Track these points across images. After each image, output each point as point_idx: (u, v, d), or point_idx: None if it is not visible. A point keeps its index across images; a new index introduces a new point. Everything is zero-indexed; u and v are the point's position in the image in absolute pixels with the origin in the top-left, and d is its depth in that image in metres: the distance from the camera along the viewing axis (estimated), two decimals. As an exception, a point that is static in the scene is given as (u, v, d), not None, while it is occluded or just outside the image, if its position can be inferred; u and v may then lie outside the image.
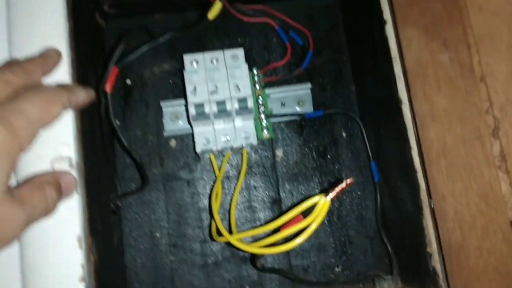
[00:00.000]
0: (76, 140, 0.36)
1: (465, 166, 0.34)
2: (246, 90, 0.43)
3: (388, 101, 0.43)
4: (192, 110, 0.42)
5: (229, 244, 0.40)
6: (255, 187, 0.51)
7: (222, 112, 0.42)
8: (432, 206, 0.36)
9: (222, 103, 0.42)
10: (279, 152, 0.52)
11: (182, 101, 0.50)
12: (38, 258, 0.34)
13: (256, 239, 0.41)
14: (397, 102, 0.41)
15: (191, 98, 0.43)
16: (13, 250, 0.34)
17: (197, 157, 0.51)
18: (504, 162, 0.33)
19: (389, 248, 0.46)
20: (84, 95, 0.33)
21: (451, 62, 0.34)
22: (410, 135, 0.40)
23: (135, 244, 0.49)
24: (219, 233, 0.40)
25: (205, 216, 0.50)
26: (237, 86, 0.43)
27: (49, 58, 0.34)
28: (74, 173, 0.35)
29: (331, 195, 0.34)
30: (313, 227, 0.34)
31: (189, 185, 0.51)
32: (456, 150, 0.34)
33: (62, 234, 0.34)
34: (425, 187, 0.38)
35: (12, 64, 0.32)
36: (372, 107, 0.50)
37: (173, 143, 0.51)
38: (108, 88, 0.38)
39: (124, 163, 0.50)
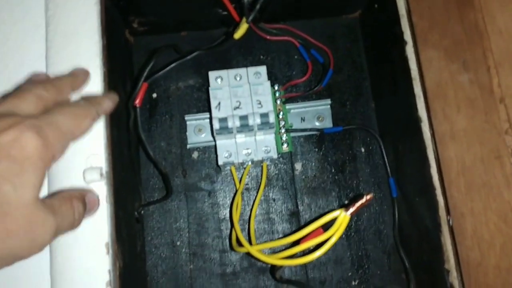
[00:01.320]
0: (106, 151, 0.38)
1: (484, 185, 0.34)
2: (268, 106, 0.44)
3: (407, 119, 0.44)
4: (216, 125, 0.44)
5: (248, 254, 0.41)
6: (274, 200, 0.52)
7: (245, 126, 0.44)
8: (450, 223, 0.37)
9: (245, 117, 0.44)
10: (298, 166, 0.53)
11: (206, 115, 0.51)
12: (68, 263, 0.36)
13: (275, 251, 0.42)
14: (417, 120, 0.42)
15: (215, 113, 0.44)
16: (44, 255, 0.36)
17: (218, 168, 0.52)
18: (523, 182, 0.33)
19: (407, 264, 0.46)
20: (109, 104, 0.36)
21: (470, 83, 0.35)
22: (429, 153, 0.40)
23: (156, 252, 0.50)
24: (239, 244, 0.41)
25: (224, 226, 0.51)
26: (260, 102, 0.45)
27: (78, 76, 0.36)
28: (104, 183, 0.37)
29: (351, 210, 0.34)
30: (333, 241, 0.35)
31: (210, 195, 0.52)
32: (475, 169, 0.35)
33: (92, 241, 0.36)
34: (444, 204, 0.39)
35: (44, 81, 0.34)
36: (391, 124, 0.51)
37: (195, 155, 0.53)
38: (138, 102, 0.40)
39: (148, 173, 0.52)
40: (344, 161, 0.53)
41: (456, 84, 0.36)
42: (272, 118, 0.44)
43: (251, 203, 0.51)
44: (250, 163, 0.48)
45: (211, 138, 0.51)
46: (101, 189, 0.37)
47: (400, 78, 0.45)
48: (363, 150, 0.53)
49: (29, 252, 0.26)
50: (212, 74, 0.47)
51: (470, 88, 0.35)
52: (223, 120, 0.44)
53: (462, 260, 0.35)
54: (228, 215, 0.51)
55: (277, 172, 0.53)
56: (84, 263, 0.36)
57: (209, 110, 0.47)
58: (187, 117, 0.52)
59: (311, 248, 0.36)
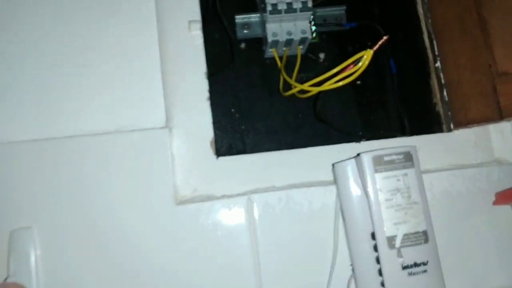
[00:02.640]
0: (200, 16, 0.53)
1: (460, 31, 0.52)
2: (306, -5, 0.61)
3: (405, 8, 0.62)
4: (270, 7, 0.60)
5: (298, 93, 0.58)
6: (303, 80, 0.69)
7: (290, 9, 0.60)
8: (438, 64, 0.54)
9: (290, 3, 0.60)
10: (321, 55, 0.70)
11: (250, 15, 0.67)
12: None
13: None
14: (412, 3, 0.59)
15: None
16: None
17: (261, 53, 0.68)
18: (485, 26, 0.51)
19: (399, 109, 0.64)
20: None
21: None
22: (422, 24, 0.58)
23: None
24: (287, 88, 0.58)
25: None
26: (300, -7, 0.61)
27: None
28: (200, 32, 0.52)
29: (375, 47, 0.51)
30: (362, 69, 0.51)
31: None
32: (454, 21, 0.52)
33: (194, 69, 0.51)
34: (432, 58, 0.57)
35: None
36: (391, 20, 0.68)
37: (242, 45, 0.69)
38: None
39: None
40: (355, 52, 0.70)
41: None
42: (310, 3, 0.60)
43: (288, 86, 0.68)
44: (288, 46, 0.64)
45: (254, 33, 0.67)
46: (199, 37, 0.52)
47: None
48: (369, 43, 0.70)
49: None
50: (261, -24, 0.63)
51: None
52: (274, 4, 0.60)
53: (447, 80, 0.53)
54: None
55: (305, 60, 0.69)
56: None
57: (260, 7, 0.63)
58: (237, 16, 0.67)
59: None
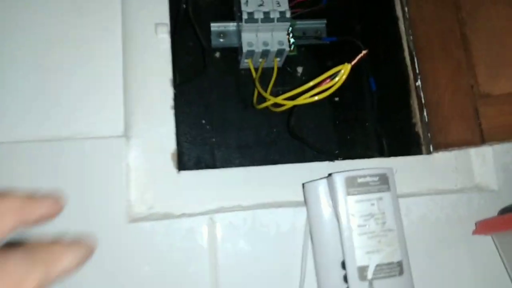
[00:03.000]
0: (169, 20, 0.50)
1: (442, 50, 0.50)
2: (285, 5, 0.58)
3: (387, 24, 0.59)
4: (245, 15, 0.56)
5: (271, 106, 0.54)
6: (279, 94, 0.65)
7: (267, 19, 0.57)
8: (419, 83, 0.52)
9: (268, 13, 0.57)
10: (299, 69, 0.67)
11: (226, 23, 0.64)
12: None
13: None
14: (395, 19, 0.57)
15: (244, 7, 0.57)
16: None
17: (236, 64, 0.65)
18: (468, 46, 0.49)
19: (379, 130, 0.61)
20: (71, 261, 0.22)
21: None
22: (404, 41, 0.56)
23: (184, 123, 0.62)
24: (261, 101, 0.54)
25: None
26: (278, 3, 0.58)
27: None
28: (167, 35, 0.48)
29: (353, 62, 0.48)
30: (338, 84, 0.48)
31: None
32: (436, 40, 0.50)
33: (159, 77, 0.47)
34: (413, 77, 0.54)
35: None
36: (373, 37, 0.66)
37: (217, 54, 0.65)
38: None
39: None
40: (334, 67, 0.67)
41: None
42: (288, 14, 0.57)
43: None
44: (265, 58, 0.61)
45: (230, 42, 0.64)
46: (166, 41, 0.48)
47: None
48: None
49: None
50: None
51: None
52: (250, 13, 0.57)
53: (427, 101, 0.50)
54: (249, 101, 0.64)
55: (282, 73, 0.66)
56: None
57: (236, 15, 0.60)
58: (212, 24, 0.64)
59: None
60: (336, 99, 0.67)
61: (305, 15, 0.67)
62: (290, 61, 0.66)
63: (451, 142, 0.48)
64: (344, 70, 0.49)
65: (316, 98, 0.49)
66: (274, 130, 0.64)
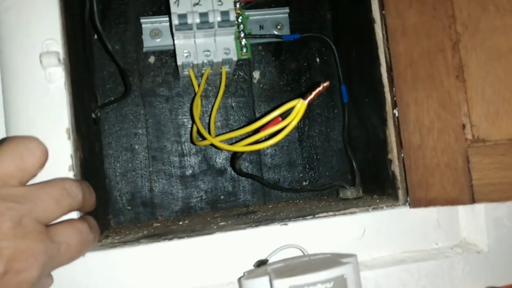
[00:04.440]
0: (63, 37, 0.36)
1: (428, 76, 0.38)
2: (228, 3, 0.44)
3: (362, 24, 0.46)
4: (175, 20, 0.43)
5: (212, 145, 0.43)
6: (232, 107, 0.54)
7: (205, 23, 0.44)
8: (396, 114, 0.40)
9: (205, 14, 0.43)
10: (256, 74, 0.54)
11: (162, 18, 0.50)
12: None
13: (233, 143, 0.44)
14: (371, 22, 0.44)
15: (174, 8, 0.44)
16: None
17: (176, 74, 0.52)
18: (462, 72, 0.37)
19: (353, 162, 0.50)
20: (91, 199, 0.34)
21: (422, -20, 0.37)
22: (380, 52, 0.43)
23: (115, 154, 0.51)
24: (201, 137, 0.43)
25: (183, 131, 0.52)
26: (220, 0, 0.44)
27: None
28: (61, 69, 0.36)
29: (310, 97, 0.37)
30: (292, 125, 0.37)
31: (168, 101, 0.52)
32: (421, 62, 0.38)
33: (52, 125, 0.35)
34: (390, 100, 0.42)
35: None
36: (346, 33, 0.52)
37: (152, 59, 0.52)
38: (93, -12, 0.38)
39: (103, 77, 0.50)
40: (300, 70, 0.55)
41: (409, -19, 0.38)
42: (232, 16, 0.44)
43: (210, 110, 0.52)
44: (209, 67, 0.49)
45: (168, 43, 0.50)
46: (59, 75, 0.36)
47: (357, -18, 0.46)
48: (318, 60, 0.55)
49: None
50: (170, -29, 0.45)
51: (422, -15, 0.37)
52: (182, 16, 0.43)
53: (405, 144, 0.39)
54: (186, 121, 0.52)
55: (235, 79, 0.54)
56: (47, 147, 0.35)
57: (167, 11, 0.46)
58: (142, 20, 0.50)
59: (270, 135, 0.39)
60: (301, 109, 0.55)
61: (262, 3, 0.53)
62: (243, 65, 0.54)
63: (433, 200, 0.38)
64: (300, 108, 0.37)
65: (261, 146, 0.38)
66: (225, 153, 0.53)
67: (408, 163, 0.39)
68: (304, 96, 0.37)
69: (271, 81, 0.54)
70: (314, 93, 0.37)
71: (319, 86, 0.37)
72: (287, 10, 0.54)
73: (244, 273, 0.36)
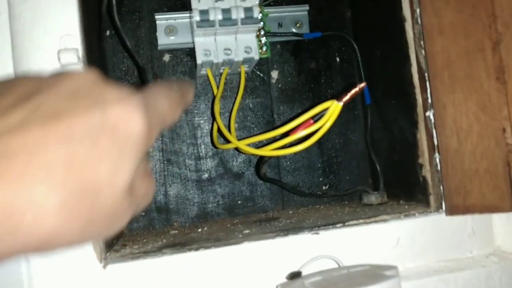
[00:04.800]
0: (82, 32, 0.34)
1: (466, 77, 0.36)
2: (252, 0, 0.42)
3: (389, 22, 0.44)
4: (197, 17, 0.41)
5: (236, 149, 0.41)
6: (249, 108, 0.51)
7: (227, 20, 0.41)
8: (431, 116, 0.38)
9: (228, 11, 0.41)
10: (274, 74, 0.52)
11: (178, 14, 0.48)
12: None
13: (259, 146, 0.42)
14: (400, 20, 0.42)
15: (195, 4, 0.41)
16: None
17: (192, 73, 0.50)
18: (502, 73, 0.35)
19: (377, 166, 0.49)
20: (192, 97, 0.27)
21: (461, -23, 0.36)
22: (411, 52, 0.41)
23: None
24: (226, 140, 0.41)
25: (199, 133, 0.50)
26: (243, -5, 0.42)
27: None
28: (80, 67, 0.33)
29: (345, 98, 0.35)
30: (326, 127, 0.35)
31: (183, 102, 0.50)
32: (459, 62, 0.36)
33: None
34: (422, 102, 0.41)
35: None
36: (368, 31, 0.51)
37: (166, 57, 0.50)
38: (112, -19, 0.36)
39: (115, 76, 0.48)
40: (320, 70, 0.53)
41: (447, -23, 0.36)
42: (256, 13, 0.42)
43: (226, 111, 0.50)
44: (228, 66, 0.46)
45: (183, 40, 0.48)
46: (78, 74, 0.33)
47: (384, -21, 0.44)
48: (338, 59, 0.54)
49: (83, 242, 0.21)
50: (188, -36, 0.43)
51: (460, -19, 0.36)
52: (204, 12, 0.41)
53: (442, 148, 0.37)
54: (202, 122, 0.50)
55: (252, 79, 0.51)
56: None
57: (183, 8, 0.44)
58: (157, 16, 0.48)
59: (301, 139, 0.37)
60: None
61: (280, 1, 0.51)
62: (262, 64, 0.51)
63: (471, 207, 0.36)
64: (333, 110, 0.35)
65: (291, 150, 0.36)
66: (243, 156, 0.50)
67: (445, 168, 0.37)
68: (338, 97, 0.35)
69: (289, 81, 0.52)
70: (349, 94, 0.35)
71: (355, 86, 0.35)
72: (306, 7, 0.52)
73: (277, 286, 0.33)
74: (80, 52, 0.33)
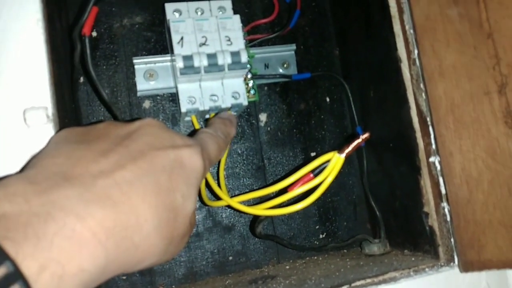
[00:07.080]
0: (51, 88, 0.30)
1: (473, 122, 0.34)
2: (239, 43, 0.39)
3: (383, 62, 0.42)
4: (180, 63, 0.37)
5: (228, 207, 0.37)
6: (238, 153, 0.48)
7: (213, 66, 0.38)
8: (437, 163, 0.36)
9: (213, 56, 0.38)
10: (262, 117, 0.49)
11: (158, 58, 0.45)
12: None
13: (252, 204, 0.38)
14: (396, 61, 0.40)
15: (178, 49, 0.38)
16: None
17: (174, 120, 0.46)
18: (510, 118, 0.33)
19: (377, 212, 0.46)
20: (234, 133, 0.39)
21: (460, 18, 0.34)
22: (409, 94, 0.39)
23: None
24: (216, 197, 0.37)
25: (184, 184, 0.46)
26: (229, 39, 0.39)
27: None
28: (50, 126, 0.29)
29: (347, 150, 0.32)
30: (328, 182, 0.32)
31: (166, 151, 0.46)
32: (464, 106, 0.34)
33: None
34: (424, 147, 0.38)
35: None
36: (359, 70, 0.48)
37: (147, 104, 0.46)
38: (86, 31, 0.32)
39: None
40: (309, 112, 0.50)
41: (445, 18, 0.34)
42: (244, 58, 0.39)
43: (213, 158, 0.47)
44: (214, 112, 0.43)
45: (164, 85, 0.45)
46: (47, 135, 0.29)
47: (375, 18, 0.43)
48: (327, 99, 0.51)
49: (163, 261, 0.25)
50: (169, 7, 0.40)
51: (459, 22, 0.34)
52: (188, 58, 0.38)
53: (451, 198, 0.35)
54: (187, 171, 0.46)
55: (241, 123, 0.48)
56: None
57: (170, 49, 0.41)
58: (135, 60, 0.45)
59: (299, 196, 0.33)
60: (313, 154, 0.50)
61: (266, 40, 0.49)
62: (249, 108, 0.49)
63: (488, 262, 0.33)
64: (335, 162, 0.32)
65: (288, 210, 0.33)
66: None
67: (456, 219, 0.35)
68: (340, 149, 0.32)
69: (279, 124, 0.49)
70: (352, 146, 0.32)
71: (357, 138, 0.32)
72: (293, 47, 0.49)
73: None
74: (50, 110, 0.29)
